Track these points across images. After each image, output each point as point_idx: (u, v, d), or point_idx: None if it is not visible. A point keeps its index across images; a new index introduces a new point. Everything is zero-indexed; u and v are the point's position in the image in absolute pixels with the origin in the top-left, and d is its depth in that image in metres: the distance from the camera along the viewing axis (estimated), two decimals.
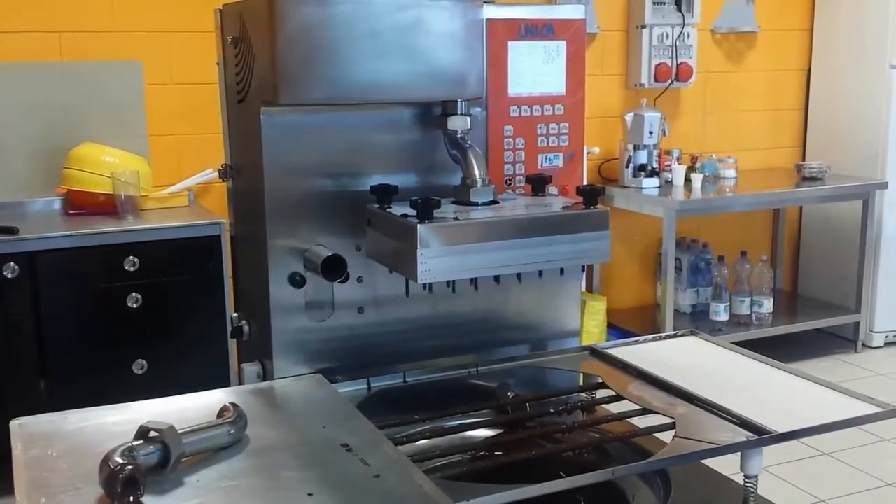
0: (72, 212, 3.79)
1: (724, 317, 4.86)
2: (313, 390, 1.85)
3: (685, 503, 1.70)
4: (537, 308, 1.98)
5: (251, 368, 1.95)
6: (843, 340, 5.11)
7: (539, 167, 2.05)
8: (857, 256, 4.97)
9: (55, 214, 3.84)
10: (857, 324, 5.01)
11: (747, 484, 1.70)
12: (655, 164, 4.72)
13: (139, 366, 3.60)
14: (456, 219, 1.69)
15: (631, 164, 4.70)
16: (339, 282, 1.89)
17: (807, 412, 1.76)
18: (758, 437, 1.65)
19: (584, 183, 1.94)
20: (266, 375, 1.93)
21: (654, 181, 4.70)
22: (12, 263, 3.41)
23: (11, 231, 3.50)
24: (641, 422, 1.82)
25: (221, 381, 3.49)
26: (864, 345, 5.07)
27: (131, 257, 3.53)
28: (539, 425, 1.84)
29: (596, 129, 4.77)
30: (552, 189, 2.01)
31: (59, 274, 3.50)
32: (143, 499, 1.41)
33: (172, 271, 3.61)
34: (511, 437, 1.77)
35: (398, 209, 1.76)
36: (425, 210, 1.66)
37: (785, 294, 5.45)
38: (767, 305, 4.89)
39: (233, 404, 1.67)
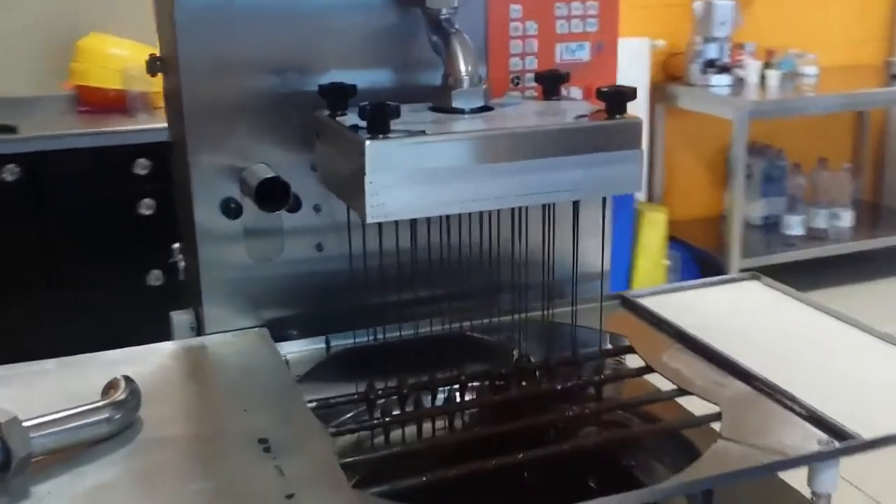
0: (80, 109, 3.43)
1: (798, 230, 4.27)
2: (251, 351, 1.37)
3: None
4: (553, 243, 1.44)
5: (182, 318, 1.47)
6: None
7: (557, 61, 1.50)
8: None
9: (62, 112, 3.45)
10: None
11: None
12: (727, 60, 4.14)
13: (155, 277, 3.22)
14: (423, 132, 1.16)
15: (699, 59, 4.11)
16: (287, 211, 1.40)
17: None
18: (837, 446, 1.13)
19: (616, 84, 1.39)
20: (200, 327, 1.45)
21: (725, 78, 4.11)
22: (12, 165, 3.05)
23: (9, 130, 3.13)
24: (674, 407, 1.31)
25: None
26: None
27: (142, 160, 3.14)
28: (538, 405, 1.34)
29: (660, 19, 4.16)
30: (574, 91, 1.47)
31: (64, 177, 3.13)
32: None
33: None
34: (497, 429, 1.27)
35: (355, 118, 1.24)
36: (378, 120, 1.14)
37: (867, 206, 4.79)
38: (847, 218, 4.28)
39: (126, 378, 1.20)
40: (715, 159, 4.52)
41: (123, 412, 1.17)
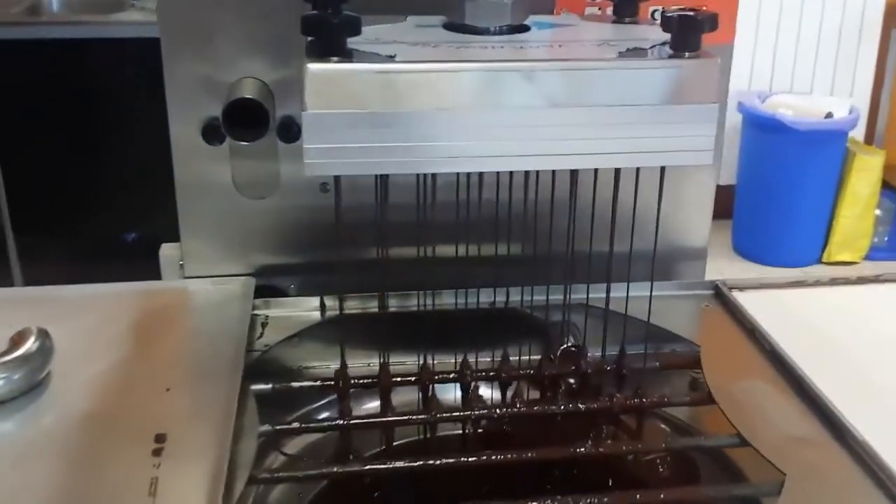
0: None
1: None
2: (220, 306, 1.11)
3: None
4: (640, 209, 1.05)
5: (171, 252, 1.23)
6: None
7: None
8: None
9: None
10: None
11: None
12: None
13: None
14: (392, 57, 0.83)
15: None
16: (282, 140, 1.11)
17: None
18: None
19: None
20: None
21: None
22: None
23: None
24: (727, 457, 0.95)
25: None
26: None
27: None
28: (543, 426, 1.01)
29: None
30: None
31: None
32: None
33: None
34: (467, 458, 0.95)
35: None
36: (326, 35, 0.82)
37: None
38: None
39: (39, 330, 0.98)
40: None
41: (24, 373, 0.95)
